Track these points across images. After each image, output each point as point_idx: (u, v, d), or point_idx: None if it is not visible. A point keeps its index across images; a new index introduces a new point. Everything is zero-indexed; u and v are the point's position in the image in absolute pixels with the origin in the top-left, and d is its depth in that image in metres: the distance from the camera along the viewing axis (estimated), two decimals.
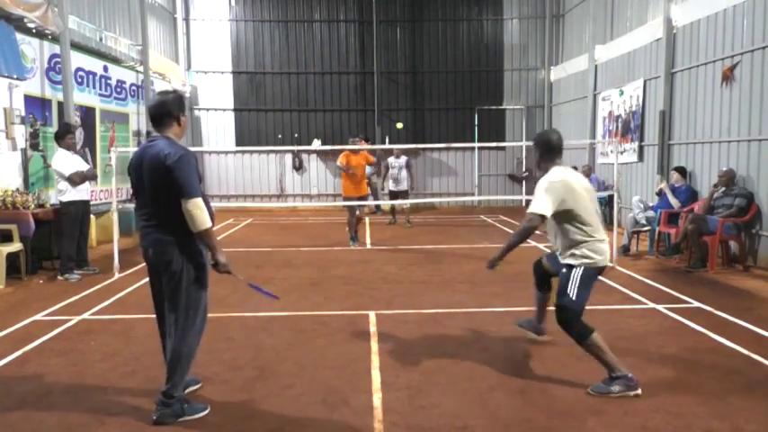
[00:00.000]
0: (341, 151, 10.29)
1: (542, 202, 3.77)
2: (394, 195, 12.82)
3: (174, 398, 3.40)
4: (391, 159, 12.94)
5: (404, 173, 12.75)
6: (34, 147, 8.91)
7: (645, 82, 10.98)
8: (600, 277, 7.13)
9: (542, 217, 3.78)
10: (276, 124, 16.87)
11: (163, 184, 3.26)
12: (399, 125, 16.52)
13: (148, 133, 13.01)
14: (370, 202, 10.27)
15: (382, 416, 3.48)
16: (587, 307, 3.93)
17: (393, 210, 13.50)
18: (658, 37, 10.29)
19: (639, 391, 3.71)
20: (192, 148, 16.20)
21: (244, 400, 3.74)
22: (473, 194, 16.40)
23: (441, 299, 6.30)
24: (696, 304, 5.90)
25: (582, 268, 3.87)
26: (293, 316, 5.55)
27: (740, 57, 8.20)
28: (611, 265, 3.98)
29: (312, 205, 16.79)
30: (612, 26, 12.68)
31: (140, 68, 12.75)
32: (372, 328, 5.24)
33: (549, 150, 3.98)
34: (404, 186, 12.72)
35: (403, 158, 12.86)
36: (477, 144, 15.84)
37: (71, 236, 7.49)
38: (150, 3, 13.81)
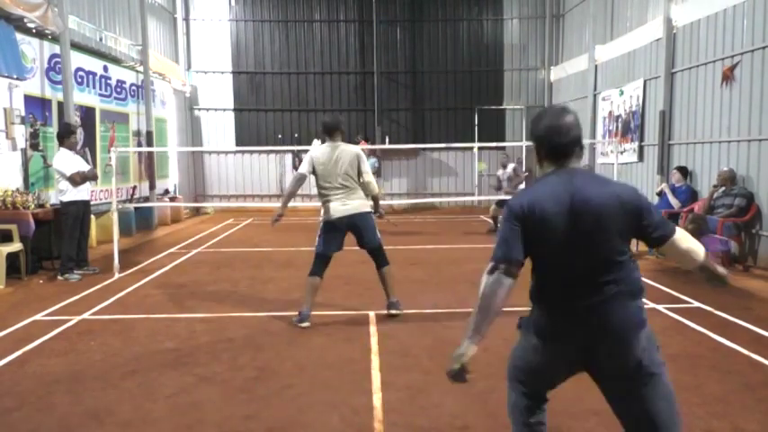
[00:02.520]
0: None
1: (301, 166, 5.43)
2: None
3: None
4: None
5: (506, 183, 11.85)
6: (34, 147, 8.91)
7: (645, 82, 10.98)
8: None
9: (302, 173, 5.34)
10: (276, 124, 16.86)
11: (627, 234, 2.41)
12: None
13: (149, 134, 13.00)
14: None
15: (382, 416, 3.48)
16: None
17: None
18: (658, 37, 10.29)
19: (304, 325, 5.18)
20: (192, 149, 16.44)
21: (244, 400, 3.74)
22: (473, 194, 16.40)
23: (441, 299, 6.31)
24: (696, 304, 5.90)
25: (321, 223, 5.38)
26: (293, 316, 5.54)
27: (740, 57, 8.20)
28: (335, 218, 5.27)
29: (312, 205, 16.72)
30: (612, 26, 12.68)
31: (140, 68, 12.74)
32: (372, 328, 5.25)
33: (324, 132, 5.39)
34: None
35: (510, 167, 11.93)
36: (477, 144, 15.83)
37: (71, 236, 7.48)
38: (150, 3, 13.80)
